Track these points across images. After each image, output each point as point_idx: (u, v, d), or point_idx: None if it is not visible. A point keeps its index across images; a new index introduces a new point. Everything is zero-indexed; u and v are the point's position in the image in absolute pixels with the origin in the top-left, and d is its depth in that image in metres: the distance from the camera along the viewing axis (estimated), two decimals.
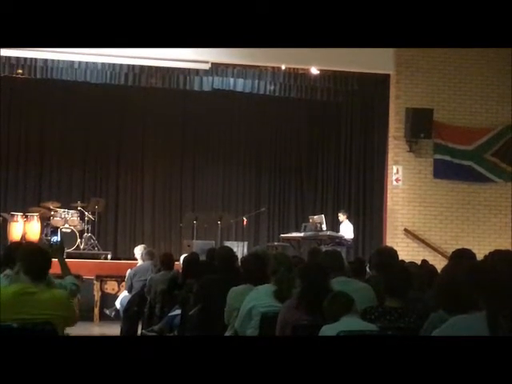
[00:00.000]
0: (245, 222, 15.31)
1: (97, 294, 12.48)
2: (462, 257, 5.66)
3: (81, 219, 14.76)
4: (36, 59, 13.25)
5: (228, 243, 14.03)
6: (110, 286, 12.60)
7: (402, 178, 13.59)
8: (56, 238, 13.99)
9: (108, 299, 12.51)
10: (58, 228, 14.33)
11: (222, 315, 6.05)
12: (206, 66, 13.41)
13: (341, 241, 13.81)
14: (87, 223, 14.88)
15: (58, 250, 6.17)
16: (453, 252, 6.02)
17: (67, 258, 13.30)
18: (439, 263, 9.11)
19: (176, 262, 9.60)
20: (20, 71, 13.47)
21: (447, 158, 13.61)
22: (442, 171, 13.61)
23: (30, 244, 5.17)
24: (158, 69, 13.71)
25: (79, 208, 14.84)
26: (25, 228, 14.21)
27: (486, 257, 4.38)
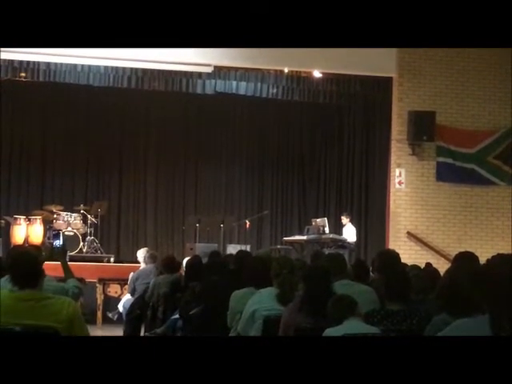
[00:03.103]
0: (247, 225, 15.29)
1: (99, 297, 12.49)
2: (464, 260, 5.65)
3: (83, 222, 14.76)
4: (39, 62, 13.25)
5: (231, 246, 14.05)
6: (113, 289, 12.60)
7: (405, 180, 13.58)
8: (58, 242, 13.99)
9: (111, 302, 12.51)
10: (60, 231, 14.33)
11: (224, 316, 6.05)
12: (209, 69, 13.41)
13: (343, 244, 13.80)
14: (90, 226, 14.89)
15: (61, 253, 6.14)
16: (456, 255, 6.00)
17: (70, 261, 13.34)
18: (442, 266, 9.11)
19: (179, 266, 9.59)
20: (23, 74, 13.48)
21: (450, 160, 13.60)
22: (445, 174, 13.61)
23: (16, 252, 5.01)
24: (160, 72, 13.71)
25: (82, 211, 14.85)
26: (28, 231, 14.21)
27: (488, 260, 4.38)
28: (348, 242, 13.95)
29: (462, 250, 6.55)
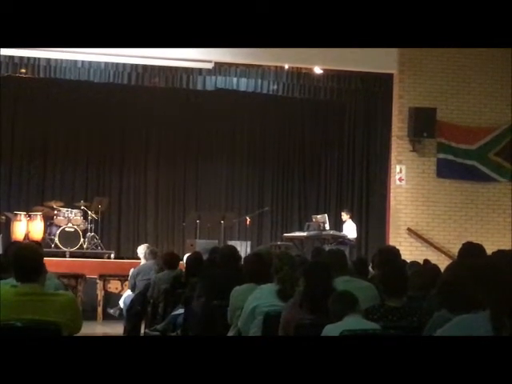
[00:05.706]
0: (248, 222, 15.30)
1: (100, 294, 12.50)
2: (470, 253, 5.56)
3: (84, 218, 14.77)
4: (39, 58, 13.25)
5: (231, 243, 14.05)
6: (114, 286, 12.61)
7: (406, 177, 13.59)
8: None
9: (111, 298, 12.53)
10: (60, 227, 14.33)
11: (224, 310, 6.06)
12: (210, 66, 13.41)
13: (344, 240, 13.80)
14: (90, 222, 14.90)
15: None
16: (462, 247, 5.87)
17: (71, 257, 13.42)
18: (442, 262, 9.11)
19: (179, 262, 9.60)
20: (23, 70, 13.48)
21: (450, 157, 13.60)
22: (446, 170, 13.61)
23: (18, 246, 4.97)
24: (161, 68, 13.71)
25: (82, 207, 14.86)
26: (28, 227, 14.22)
27: (489, 256, 4.38)
28: (348, 239, 13.95)
29: None
